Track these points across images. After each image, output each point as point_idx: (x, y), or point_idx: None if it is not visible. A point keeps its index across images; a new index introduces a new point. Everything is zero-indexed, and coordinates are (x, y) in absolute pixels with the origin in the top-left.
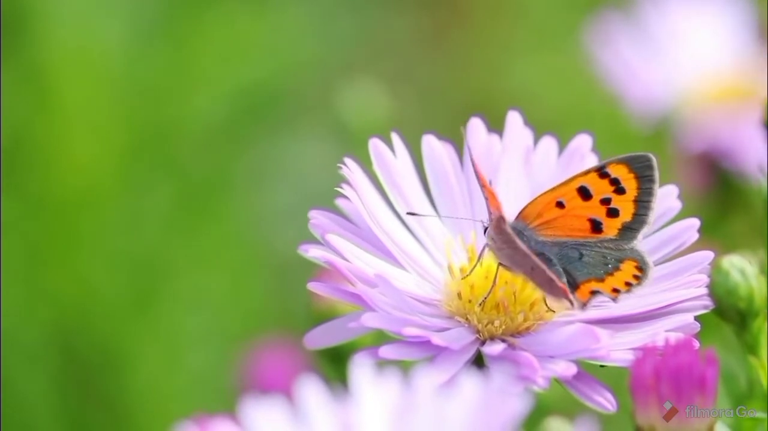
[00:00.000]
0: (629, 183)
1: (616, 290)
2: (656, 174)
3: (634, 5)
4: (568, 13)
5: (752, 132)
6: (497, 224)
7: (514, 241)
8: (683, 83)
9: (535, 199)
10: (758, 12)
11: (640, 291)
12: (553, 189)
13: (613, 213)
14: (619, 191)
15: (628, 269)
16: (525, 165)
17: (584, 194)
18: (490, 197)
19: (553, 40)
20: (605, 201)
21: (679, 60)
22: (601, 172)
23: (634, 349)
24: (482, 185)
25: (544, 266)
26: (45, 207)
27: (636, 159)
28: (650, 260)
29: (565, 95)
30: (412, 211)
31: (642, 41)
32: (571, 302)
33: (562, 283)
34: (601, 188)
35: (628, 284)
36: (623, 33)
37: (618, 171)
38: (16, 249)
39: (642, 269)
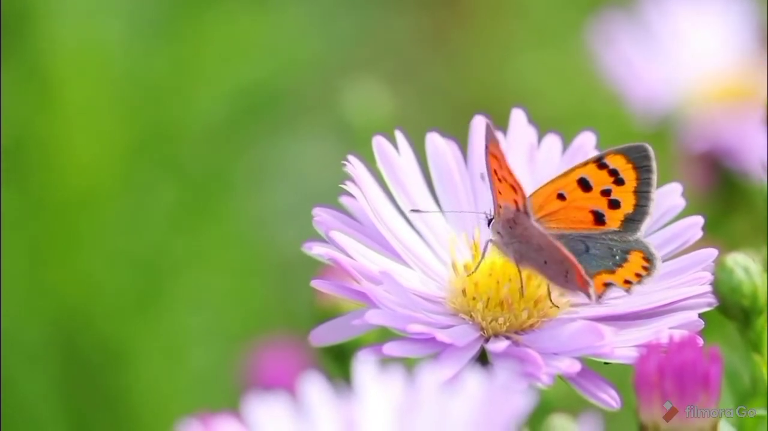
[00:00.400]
0: (628, 174)
1: (628, 282)
2: (654, 164)
3: (636, 4)
4: (568, 12)
5: (754, 131)
6: (515, 217)
7: (533, 234)
8: (685, 82)
9: (536, 191)
10: (760, 11)
11: (645, 288)
12: (553, 181)
13: (614, 204)
14: (619, 182)
15: (635, 260)
16: (529, 163)
17: (584, 185)
18: (515, 188)
19: (554, 39)
20: (606, 192)
21: (681, 59)
22: (599, 163)
23: (638, 346)
24: (495, 178)
25: (573, 258)
26: (46, 207)
27: (633, 150)
28: (656, 251)
29: (567, 94)
30: (416, 208)
31: (644, 40)
32: (589, 296)
33: (585, 275)
34: (600, 179)
35: (638, 275)
36: (625, 32)
37: (616, 162)
38: (18, 248)
39: (649, 260)
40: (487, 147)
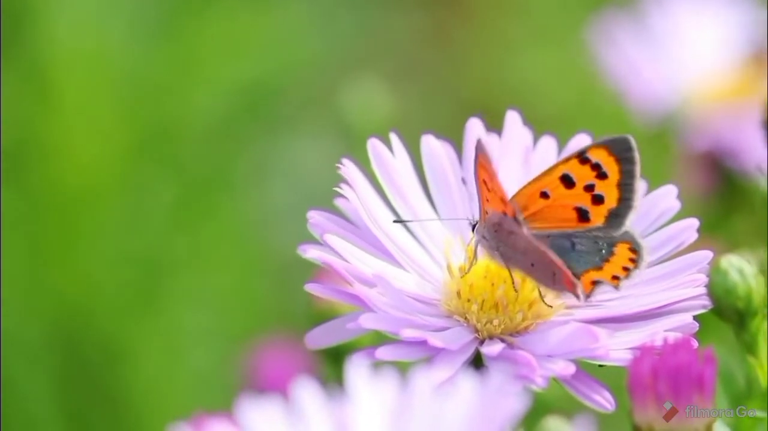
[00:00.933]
0: (611, 167)
1: (616, 278)
2: (636, 156)
3: (637, 4)
4: (570, 11)
5: (755, 131)
6: (500, 221)
7: (519, 240)
8: (686, 82)
9: (519, 191)
10: (761, 11)
11: (639, 290)
12: (536, 180)
13: (598, 200)
14: (602, 176)
15: (622, 252)
16: (524, 165)
17: (567, 181)
18: (504, 202)
19: (555, 37)
20: (589, 188)
21: (682, 59)
22: (581, 157)
23: (632, 348)
24: (485, 188)
25: (561, 263)
26: (46, 205)
27: (615, 142)
28: (642, 240)
29: (569, 93)
30: (412, 209)
31: (645, 40)
32: (578, 296)
33: (573, 277)
34: (583, 175)
35: (625, 269)
36: (627, 31)
37: (598, 155)
38: (18, 247)
39: (636, 250)
40: (476, 159)
